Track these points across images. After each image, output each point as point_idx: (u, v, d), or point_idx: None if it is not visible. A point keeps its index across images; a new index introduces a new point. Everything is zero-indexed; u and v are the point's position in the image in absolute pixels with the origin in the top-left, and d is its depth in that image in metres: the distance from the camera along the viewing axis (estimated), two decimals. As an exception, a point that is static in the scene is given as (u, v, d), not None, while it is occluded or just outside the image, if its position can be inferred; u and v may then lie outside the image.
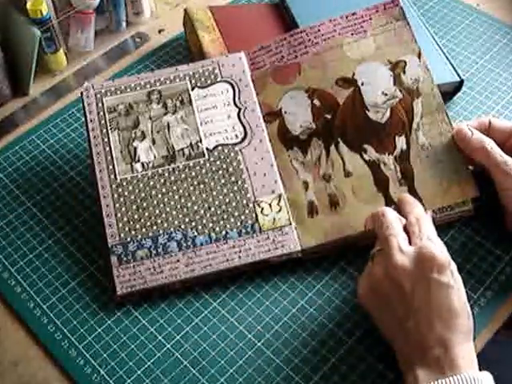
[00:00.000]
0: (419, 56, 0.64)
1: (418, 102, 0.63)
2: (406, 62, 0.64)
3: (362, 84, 0.64)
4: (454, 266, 0.51)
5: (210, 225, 0.60)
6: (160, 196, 0.62)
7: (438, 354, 0.48)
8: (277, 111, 0.65)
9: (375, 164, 0.62)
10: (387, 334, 0.53)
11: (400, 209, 0.57)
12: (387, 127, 0.63)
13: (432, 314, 0.49)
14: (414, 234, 0.53)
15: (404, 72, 0.64)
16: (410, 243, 0.53)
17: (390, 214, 0.54)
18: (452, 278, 0.50)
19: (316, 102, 0.65)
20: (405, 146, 0.62)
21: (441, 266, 0.50)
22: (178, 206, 0.61)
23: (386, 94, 0.63)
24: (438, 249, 0.51)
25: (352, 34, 0.66)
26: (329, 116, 0.64)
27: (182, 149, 0.64)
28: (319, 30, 0.67)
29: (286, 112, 0.65)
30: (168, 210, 0.61)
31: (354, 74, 0.64)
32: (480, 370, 0.49)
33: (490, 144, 0.59)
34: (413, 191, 0.60)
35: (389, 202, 0.60)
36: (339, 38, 0.66)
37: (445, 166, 0.61)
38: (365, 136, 0.63)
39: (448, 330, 0.49)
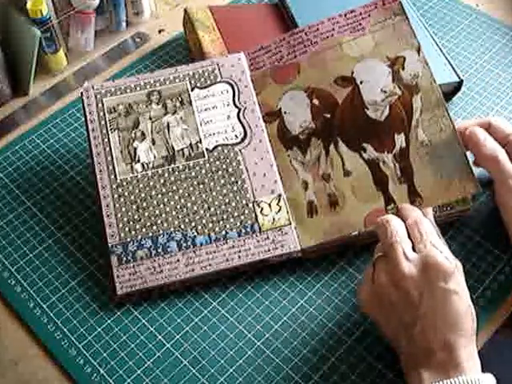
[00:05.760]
0: (418, 51, 0.64)
1: (417, 98, 0.62)
2: (405, 58, 0.64)
3: (361, 82, 0.64)
4: (460, 268, 0.51)
5: (210, 225, 0.60)
6: (160, 196, 0.62)
7: (443, 357, 0.48)
8: (276, 111, 0.65)
9: (374, 163, 0.62)
10: (391, 337, 0.53)
11: (400, 216, 0.57)
12: (386, 125, 0.62)
13: (438, 320, 0.49)
14: (417, 239, 0.52)
15: (403, 68, 0.63)
16: (413, 249, 0.52)
17: (395, 220, 0.54)
18: (458, 283, 0.50)
19: (315, 101, 0.64)
20: (404, 144, 0.61)
21: (447, 273, 0.50)
22: (178, 206, 0.61)
23: (384, 92, 0.63)
24: (444, 255, 0.51)
25: (351, 32, 0.66)
26: (328, 115, 0.64)
27: (182, 149, 0.64)
28: (318, 29, 0.67)
29: (285, 112, 0.65)
30: (168, 210, 0.61)
31: (352, 73, 0.64)
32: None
33: (502, 155, 0.58)
34: (412, 189, 0.60)
35: (388, 200, 0.60)
36: (338, 36, 0.66)
37: (445, 162, 0.60)
38: (364, 135, 0.63)
39: (453, 333, 0.49)
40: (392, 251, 0.52)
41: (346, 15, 0.67)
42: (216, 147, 0.64)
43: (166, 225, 0.60)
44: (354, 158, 0.62)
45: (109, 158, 0.63)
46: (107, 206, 0.61)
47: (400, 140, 0.62)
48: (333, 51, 0.66)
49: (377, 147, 0.62)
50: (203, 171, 0.63)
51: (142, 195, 0.62)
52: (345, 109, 0.64)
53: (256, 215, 0.61)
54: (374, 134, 0.62)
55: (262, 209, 0.61)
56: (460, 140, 0.60)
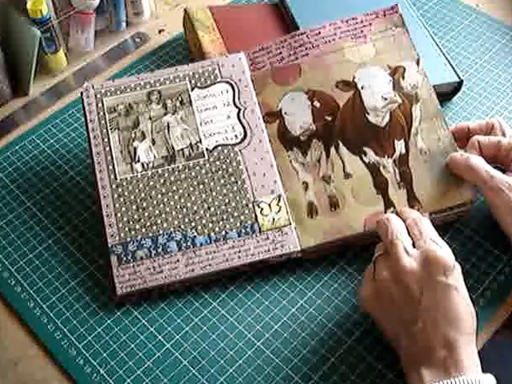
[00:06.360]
0: (418, 63, 0.65)
1: (416, 107, 0.64)
2: (405, 68, 0.65)
3: (362, 88, 0.64)
4: (458, 268, 0.52)
5: (210, 225, 0.60)
6: (160, 196, 0.62)
7: (444, 355, 0.49)
8: (276, 112, 0.65)
9: (375, 166, 0.62)
10: (391, 335, 0.53)
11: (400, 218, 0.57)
12: (387, 131, 0.63)
13: (439, 316, 0.49)
14: (417, 236, 0.53)
15: (403, 78, 0.64)
16: (414, 246, 0.53)
17: (395, 219, 0.55)
18: (457, 279, 0.51)
19: (316, 103, 0.65)
20: (404, 150, 0.62)
21: (447, 268, 0.50)
22: (178, 206, 0.61)
23: (385, 99, 0.64)
24: (444, 251, 0.51)
25: (352, 39, 0.66)
26: (329, 118, 0.64)
27: (182, 149, 0.64)
28: (320, 33, 0.67)
29: (285, 113, 0.65)
30: (168, 210, 0.61)
31: (354, 78, 0.65)
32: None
33: (475, 160, 0.59)
34: (411, 194, 0.61)
35: (388, 204, 0.60)
36: (340, 41, 0.67)
37: (443, 170, 0.61)
38: (364, 139, 0.63)
39: (454, 331, 0.49)
40: (393, 247, 0.52)
41: (347, 21, 0.67)
42: (216, 147, 0.64)
43: (165, 225, 0.60)
44: (354, 161, 0.62)
45: (109, 158, 0.63)
46: (107, 205, 0.61)
47: (400, 146, 0.62)
48: (335, 55, 0.66)
49: (377, 152, 0.63)
50: (203, 171, 0.63)
51: (142, 195, 0.62)
52: (346, 112, 0.64)
53: (256, 215, 0.61)
54: (375, 138, 0.63)
55: (261, 209, 0.61)
56: (457, 149, 0.62)
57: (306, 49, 0.67)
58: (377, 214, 0.59)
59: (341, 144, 0.63)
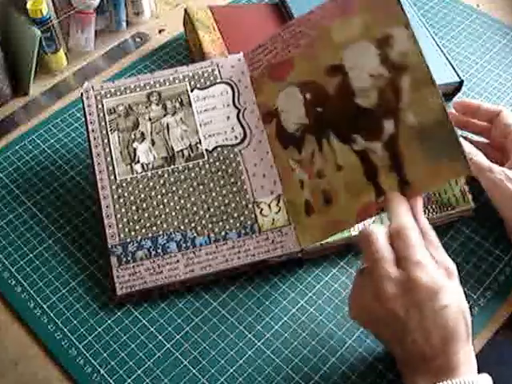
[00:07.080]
0: (407, 27, 0.58)
1: (405, 78, 0.57)
2: (393, 36, 0.59)
3: (350, 69, 0.60)
4: (453, 272, 0.50)
5: (210, 225, 0.60)
6: (159, 197, 0.62)
7: (439, 364, 0.48)
8: (273, 111, 0.64)
9: (364, 153, 0.58)
10: (385, 345, 0.53)
11: (386, 209, 0.54)
12: (375, 111, 0.58)
13: (429, 332, 0.48)
14: (400, 252, 0.50)
15: (392, 47, 0.59)
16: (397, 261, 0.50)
17: (378, 235, 0.51)
18: (446, 296, 0.48)
19: (308, 95, 0.62)
20: (393, 130, 0.57)
21: (432, 293, 0.48)
22: (178, 207, 0.61)
23: (372, 76, 0.59)
24: (429, 274, 0.48)
25: (340, 15, 0.61)
26: (320, 109, 0.62)
27: (182, 150, 0.64)
28: (310, 19, 0.64)
29: (282, 111, 0.64)
30: (167, 210, 0.61)
31: (341, 60, 0.61)
32: (479, 370, 0.49)
33: (477, 157, 0.59)
34: (403, 176, 0.56)
35: (379, 191, 0.56)
36: (327, 24, 0.62)
37: (434, 142, 0.55)
38: (353, 125, 0.59)
39: (447, 341, 0.48)
40: (375, 269, 0.50)
41: (336, 0, 0.63)
42: (216, 148, 0.64)
43: (165, 225, 0.60)
44: (345, 151, 0.59)
45: (108, 159, 0.63)
46: (107, 206, 0.61)
47: (389, 126, 0.57)
48: (322, 41, 0.62)
49: (366, 137, 0.58)
50: (203, 172, 0.63)
51: (142, 196, 0.62)
52: (334, 100, 0.61)
53: (256, 216, 0.61)
54: (363, 122, 0.59)
55: (261, 209, 0.61)
56: (449, 118, 0.55)
57: (298, 39, 0.64)
58: (368, 205, 0.56)
59: (332, 135, 0.60)
